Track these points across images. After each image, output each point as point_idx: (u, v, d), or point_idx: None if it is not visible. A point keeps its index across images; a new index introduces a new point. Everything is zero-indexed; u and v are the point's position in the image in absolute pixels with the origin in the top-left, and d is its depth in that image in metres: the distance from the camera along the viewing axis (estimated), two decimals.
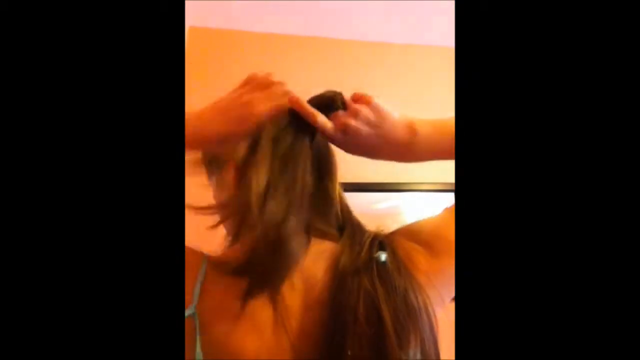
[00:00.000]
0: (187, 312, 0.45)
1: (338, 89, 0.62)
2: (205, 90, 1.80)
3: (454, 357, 0.44)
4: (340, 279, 0.47)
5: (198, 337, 0.44)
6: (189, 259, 0.49)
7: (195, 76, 1.80)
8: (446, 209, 0.58)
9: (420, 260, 0.50)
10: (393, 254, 0.49)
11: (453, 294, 0.52)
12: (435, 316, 0.48)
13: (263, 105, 0.51)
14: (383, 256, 0.47)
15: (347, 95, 0.61)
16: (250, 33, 1.90)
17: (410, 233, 0.54)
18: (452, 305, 0.49)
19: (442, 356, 0.49)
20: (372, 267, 0.47)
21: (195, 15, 1.78)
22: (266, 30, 1.90)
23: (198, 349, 0.44)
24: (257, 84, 0.53)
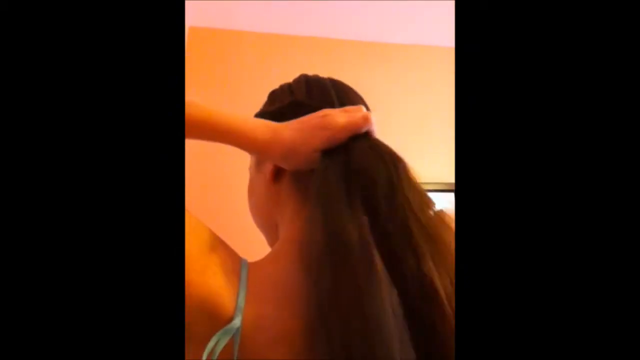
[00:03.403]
0: (233, 325, 0.42)
1: None
2: (206, 90, 1.81)
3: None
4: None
5: (236, 352, 0.42)
6: (228, 261, 0.47)
7: (195, 76, 1.80)
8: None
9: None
10: None
11: None
12: None
13: (341, 118, 0.50)
14: None
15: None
16: (250, 33, 1.91)
17: None
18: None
19: None
20: None
21: (195, 15, 1.79)
22: (266, 30, 1.90)
23: None
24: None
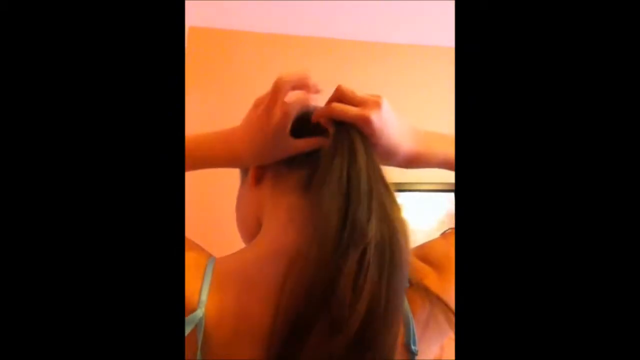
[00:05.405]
0: (195, 315, 0.44)
1: None
2: (205, 90, 1.81)
3: (453, 357, 0.44)
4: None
5: (200, 344, 0.43)
6: (196, 259, 0.48)
7: (195, 76, 1.80)
8: (452, 231, 0.58)
9: (431, 280, 0.51)
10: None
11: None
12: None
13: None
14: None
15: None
16: (250, 33, 1.91)
17: (421, 254, 0.55)
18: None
19: (443, 356, 0.50)
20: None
21: (195, 15, 1.79)
22: (266, 30, 1.90)
23: (199, 356, 0.43)
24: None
